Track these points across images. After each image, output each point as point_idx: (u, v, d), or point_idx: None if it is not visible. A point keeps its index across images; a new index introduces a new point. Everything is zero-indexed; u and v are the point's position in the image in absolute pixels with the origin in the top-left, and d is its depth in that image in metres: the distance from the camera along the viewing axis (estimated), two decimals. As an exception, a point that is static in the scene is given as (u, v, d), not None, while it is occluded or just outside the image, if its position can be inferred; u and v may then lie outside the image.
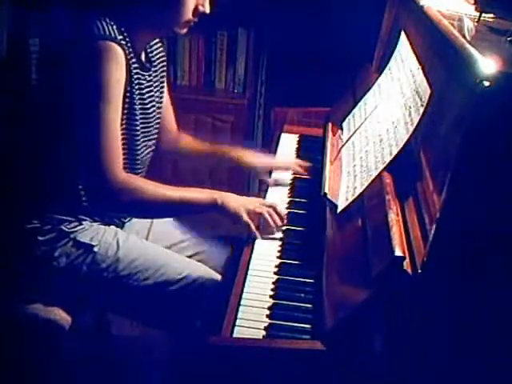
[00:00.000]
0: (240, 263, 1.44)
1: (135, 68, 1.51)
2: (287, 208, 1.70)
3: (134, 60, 1.50)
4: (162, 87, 1.70)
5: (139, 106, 1.54)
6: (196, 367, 1.32)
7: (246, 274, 1.40)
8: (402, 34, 1.66)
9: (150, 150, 1.66)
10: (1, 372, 1.61)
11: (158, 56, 1.67)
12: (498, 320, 1.08)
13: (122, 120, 1.48)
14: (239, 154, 1.83)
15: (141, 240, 1.69)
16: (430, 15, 1.45)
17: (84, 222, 1.59)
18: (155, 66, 1.65)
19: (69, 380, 1.88)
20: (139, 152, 1.59)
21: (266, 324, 1.25)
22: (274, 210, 1.58)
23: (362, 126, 1.64)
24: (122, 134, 1.48)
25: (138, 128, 1.56)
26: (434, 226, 1.03)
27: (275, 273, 1.41)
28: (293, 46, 2.70)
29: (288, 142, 2.12)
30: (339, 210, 1.42)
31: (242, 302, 1.30)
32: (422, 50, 1.48)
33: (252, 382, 1.20)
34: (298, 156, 2.03)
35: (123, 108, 1.47)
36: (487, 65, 0.99)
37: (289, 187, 1.82)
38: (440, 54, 1.33)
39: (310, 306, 1.31)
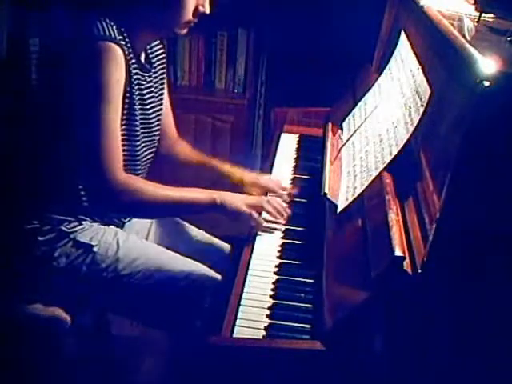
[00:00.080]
0: (240, 263, 1.44)
1: (135, 69, 1.51)
2: (289, 205, 1.70)
3: (133, 61, 1.50)
4: (162, 88, 1.69)
5: (139, 107, 1.54)
6: (196, 367, 1.33)
7: (246, 273, 1.40)
8: (402, 34, 1.66)
9: (150, 151, 1.66)
10: (1, 372, 1.61)
11: (158, 57, 1.67)
12: (498, 320, 1.08)
13: (122, 120, 1.48)
14: (229, 169, 1.79)
15: (141, 240, 1.69)
16: (430, 15, 1.45)
17: (84, 222, 1.59)
18: (155, 67, 1.65)
19: (69, 380, 1.88)
20: (139, 153, 1.59)
21: (266, 324, 1.25)
22: (274, 201, 1.60)
23: (362, 126, 1.64)
24: (122, 135, 1.48)
25: (138, 128, 1.56)
26: (433, 226, 1.03)
27: (275, 273, 1.41)
28: (293, 46, 2.70)
29: (288, 142, 2.12)
30: (339, 210, 1.42)
31: (242, 302, 1.30)
32: (422, 50, 1.48)
33: (252, 382, 1.20)
34: (298, 156, 2.03)
35: (123, 108, 1.47)
36: (487, 65, 0.99)
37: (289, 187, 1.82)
38: (440, 54, 1.33)
39: (309, 305, 1.31)
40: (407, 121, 1.34)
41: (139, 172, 1.61)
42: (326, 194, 1.53)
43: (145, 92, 1.56)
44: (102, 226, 1.62)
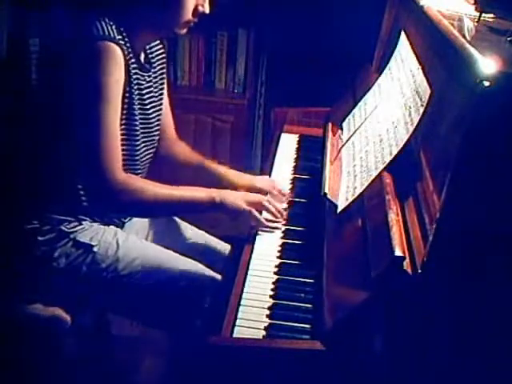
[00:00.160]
0: (240, 263, 1.44)
1: (134, 68, 1.51)
2: (287, 208, 1.70)
3: (133, 60, 1.50)
4: (162, 88, 1.69)
5: (138, 107, 1.55)
6: (196, 367, 1.33)
7: (246, 273, 1.40)
8: (402, 34, 1.66)
9: (149, 151, 1.66)
10: (1, 372, 1.61)
11: (157, 57, 1.67)
12: (498, 320, 1.08)
13: (122, 120, 1.48)
14: (225, 172, 1.79)
15: (140, 240, 1.69)
16: (430, 15, 1.45)
17: (84, 222, 1.59)
18: (155, 67, 1.65)
19: (69, 380, 1.88)
20: (139, 152, 1.59)
21: (266, 324, 1.25)
22: (274, 200, 1.61)
23: (362, 126, 1.64)
24: (122, 135, 1.48)
25: (138, 128, 1.56)
26: (433, 226, 1.03)
27: (275, 273, 1.41)
28: (293, 46, 2.70)
29: (288, 142, 2.12)
30: (339, 209, 1.42)
31: (242, 302, 1.30)
32: (422, 50, 1.48)
33: (252, 382, 1.20)
34: (298, 156, 2.03)
35: (122, 108, 1.47)
36: (487, 65, 0.99)
37: (289, 187, 1.82)
38: (440, 54, 1.33)
39: (309, 305, 1.31)
40: (407, 121, 1.34)
41: (139, 172, 1.61)
42: (325, 194, 1.53)
43: (144, 92, 1.56)
44: (101, 226, 1.62)
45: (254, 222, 1.56)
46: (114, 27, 1.43)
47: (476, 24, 1.40)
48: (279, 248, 1.51)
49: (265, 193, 1.70)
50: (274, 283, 1.38)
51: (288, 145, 2.10)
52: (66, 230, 1.56)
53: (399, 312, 1.07)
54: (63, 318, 1.58)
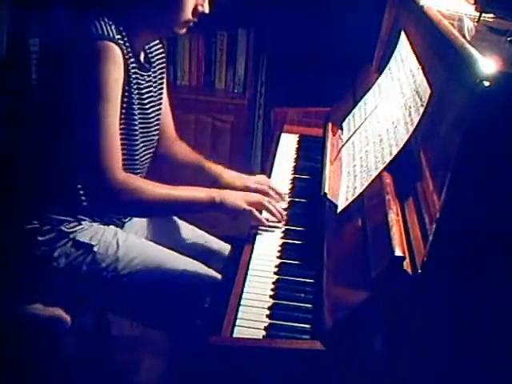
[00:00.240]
0: (240, 263, 1.44)
1: (133, 68, 1.51)
2: (287, 208, 1.70)
3: (132, 60, 1.50)
4: (162, 88, 1.69)
5: (138, 106, 1.54)
6: (196, 367, 1.33)
7: (246, 273, 1.40)
8: (402, 34, 1.66)
9: (149, 150, 1.66)
10: (1, 372, 1.61)
11: (157, 57, 1.67)
12: (498, 320, 1.08)
13: (121, 120, 1.48)
14: (221, 172, 1.78)
15: (140, 239, 1.69)
16: (430, 15, 1.45)
17: (83, 222, 1.59)
18: (154, 67, 1.65)
19: (69, 380, 1.88)
20: (138, 152, 1.59)
21: (266, 324, 1.25)
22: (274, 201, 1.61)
23: (362, 126, 1.64)
24: (121, 134, 1.48)
25: (137, 128, 1.56)
26: (433, 226, 1.03)
27: (275, 273, 1.41)
28: (293, 46, 2.70)
29: (288, 142, 2.12)
30: (339, 209, 1.42)
31: (242, 302, 1.30)
32: (422, 50, 1.48)
33: (252, 381, 1.20)
34: (298, 156, 2.03)
35: (121, 108, 1.47)
36: (487, 65, 0.99)
37: (289, 187, 1.82)
38: (440, 54, 1.33)
39: (310, 306, 1.31)
40: (407, 121, 1.34)
41: (138, 171, 1.61)
42: (325, 193, 1.53)
43: (144, 91, 1.56)
44: (101, 226, 1.62)
45: (255, 221, 1.56)
46: (113, 27, 1.43)
47: (476, 24, 1.40)
48: (279, 248, 1.51)
49: (262, 193, 1.70)
50: (274, 283, 1.37)
51: (288, 145, 2.10)
52: (66, 229, 1.56)
53: (399, 312, 1.07)
54: (63, 318, 1.58)
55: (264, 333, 1.23)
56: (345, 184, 1.49)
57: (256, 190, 1.69)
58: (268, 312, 1.28)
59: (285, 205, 1.71)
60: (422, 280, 1.05)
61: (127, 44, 1.47)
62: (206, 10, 1.54)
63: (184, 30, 1.55)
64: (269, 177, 1.85)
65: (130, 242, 1.62)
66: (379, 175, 1.34)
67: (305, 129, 2.21)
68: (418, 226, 1.15)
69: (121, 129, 1.48)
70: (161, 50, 1.69)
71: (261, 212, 1.59)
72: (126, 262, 1.58)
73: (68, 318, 1.59)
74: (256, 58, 2.86)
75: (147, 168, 1.69)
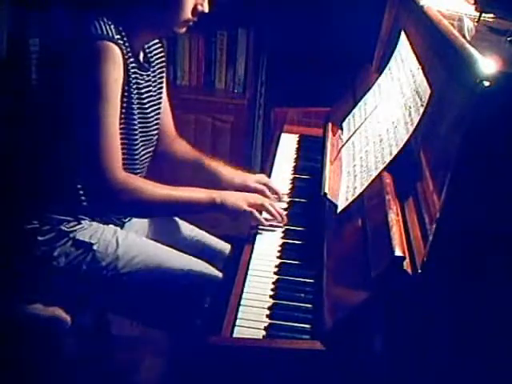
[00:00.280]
0: (240, 263, 1.44)
1: (133, 68, 1.51)
2: (287, 208, 1.70)
3: (131, 60, 1.50)
4: (161, 87, 1.69)
5: (137, 106, 1.54)
6: (196, 367, 1.33)
7: (246, 273, 1.40)
8: (402, 34, 1.66)
9: (148, 150, 1.66)
10: (1, 372, 1.61)
11: (156, 56, 1.67)
12: (498, 320, 1.08)
13: (120, 120, 1.48)
14: (221, 169, 1.78)
15: (140, 238, 1.69)
16: (430, 15, 1.45)
17: (83, 222, 1.59)
18: (153, 67, 1.65)
19: (69, 380, 1.88)
20: (137, 152, 1.59)
21: (266, 324, 1.25)
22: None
23: (362, 126, 1.64)
24: (120, 134, 1.48)
25: (136, 128, 1.56)
26: (433, 226, 1.03)
27: (275, 273, 1.41)
28: (293, 46, 2.70)
29: (288, 142, 2.12)
30: (339, 210, 1.42)
31: (242, 302, 1.30)
32: (422, 50, 1.48)
33: (252, 381, 1.20)
34: (298, 156, 2.03)
35: (121, 107, 1.47)
36: (487, 65, 0.99)
37: (289, 187, 1.82)
38: (440, 54, 1.33)
39: (310, 305, 1.31)
40: (407, 121, 1.34)
41: (138, 171, 1.61)
42: (325, 193, 1.53)
43: (143, 91, 1.56)
44: (101, 225, 1.62)
45: (255, 222, 1.56)
46: (112, 27, 1.43)
47: (476, 24, 1.40)
48: (279, 248, 1.51)
49: (261, 193, 1.70)
50: (274, 283, 1.37)
51: (288, 145, 2.10)
52: (66, 229, 1.56)
53: (399, 312, 1.07)
54: (63, 318, 1.58)
55: (264, 333, 1.23)
56: (345, 184, 1.49)
57: (255, 190, 1.69)
58: (268, 312, 1.28)
59: (285, 205, 1.71)
60: (422, 280, 1.05)
61: (127, 44, 1.47)
62: (206, 9, 1.54)
63: (184, 30, 1.55)
64: (269, 177, 1.85)
65: (130, 241, 1.62)
66: (379, 175, 1.34)
67: (305, 129, 2.21)
68: (418, 226, 1.15)
69: (120, 129, 1.48)
70: (160, 50, 1.69)
71: (261, 213, 1.58)
72: (126, 260, 1.58)
73: (68, 318, 1.59)
74: (256, 58, 2.86)
75: (147, 168, 1.69)
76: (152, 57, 1.65)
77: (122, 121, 1.50)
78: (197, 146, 1.90)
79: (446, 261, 1.03)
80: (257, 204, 1.57)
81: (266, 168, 1.94)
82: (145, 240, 1.70)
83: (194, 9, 1.51)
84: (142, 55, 1.59)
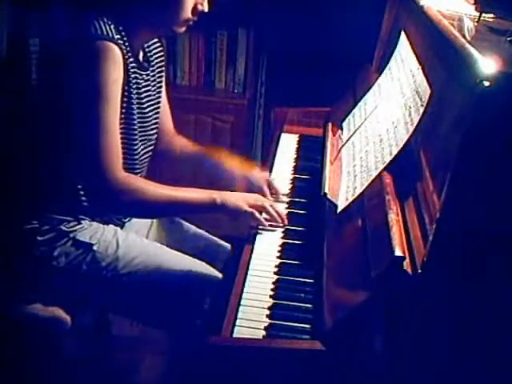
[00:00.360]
0: (240, 263, 1.44)
1: (133, 67, 1.51)
2: (287, 208, 1.70)
3: (131, 60, 1.50)
4: (160, 87, 1.69)
5: (137, 106, 1.54)
6: (196, 367, 1.33)
7: (246, 273, 1.40)
8: (402, 34, 1.66)
9: (147, 149, 1.66)
10: (1, 372, 1.61)
11: (156, 55, 1.67)
12: (498, 320, 1.08)
13: (120, 120, 1.47)
14: (223, 160, 1.79)
15: (140, 238, 1.69)
16: (430, 15, 1.45)
17: (83, 222, 1.58)
18: (153, 66, 1.65)
19: (69, 380, 1.88)
20: (137, 152, 1.59)
21: (266, 324, 1.25)
22: (276, 205, 1.61)
23: (362, 126, 1.64)
24: (120, 134, 1.48)
25: (136, 127, 1.56)
26: (434, 226, 1.03)
27: (275, 273, 1.41)
28: (293, 46, 2.70)
29: (288, 142, 2.12)
30: (339, 209, 1.42)
31: (242, 302, 1.30)
32: (422, 50, 1.48)
33: (252, 381, 1.20)
34: (298, 156, 2.03)
35: (121, 107, 1.47)
36: (487, 65, 0.99)
37: (289, 187, 1.82)
38: (440, 54, 1.33)
39: (310, 305, 1.31)
40: (407, 121, 1.34)
41: (138, 171, 1.61)
42: (325, 194, 1.53)
43: (142, 91, 1.56)
44: (101, 225, 1.62)
45: (255, 222, 1.56)
46: (112, 27, 1.43)
47: (476, 24, 1.40)
48: (279, 248, 1.51)
49: (260, 188, 1.70)
50: (274, 283, 1.37)
51: (288, 145, 2.10)
52: (66, 229, 1.56)
53: (399, 312, 1.07)
54: (63, 318, 1.58)
55: (264, 333, 1.23)
56: (345, 184, 1.49)
57: (257, 183, 1.70)
58: (268, 312, 1.28)
59: (285, 205, 1.71)
60: (422, 280, 1.05)
61: (126, 44, 1.47)
62: (206, 8, 1.53)
63: (183, 29, 1.55)
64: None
65: (131, 242, 1.62)
66: (379, 175, 1.34)
67: (305, 129, 2.21)
68: (418, 226, 1.15)
69: (120, 129, 1.48)
70: (160, 49, 1.69)
71: (261, 213, 1.58)
72: (126, 261, 1.58)
73: (68, 318, 1.59)
74: (256, 58, 2.86)
75: (147, 167, 1.69)
76: (151, 56, 1.65)
77: (122, 121, 1.49)
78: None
79: (445, 261, 1.03)
80: (257, 205, 1.57)
81: (266, 168, 1.94)
82: (145, 241, 1.70)
83: (194, 8, 1.51)
84: (141, 55, 1.59)
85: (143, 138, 1.61)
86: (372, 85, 1.74)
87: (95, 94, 1.39)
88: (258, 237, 1.55)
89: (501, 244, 1.02)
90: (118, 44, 1.42)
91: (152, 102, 1.63)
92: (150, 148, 1.67)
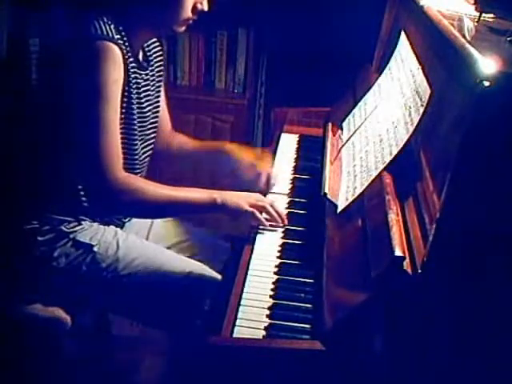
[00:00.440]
0: (240, 263, 1.44)
1: (133, 67, 1.51)
2: (287, 208, 1.70)
3: (131, 59, 1.49)
4: (159, 86, 1.69)
5: (136, 105, 1.54)
6: (196, 367, 1.33)
7: (246, 273, 1.40)
8: (402, 34, 1.66)
9: (147, 148, 1.65)
10: (1, 372, 1.61)
11: (155, 55, 1.67)
12: (498, 320, 1.08)
13: (120, 120, 1.47)
14: (222, 156, 1.78)
15: (140, 240, 1.69)
16: (430, 15, 1.45)
17: (83, 222, 1.58)
18: (152, 65, 1.64)
19: (69, 380, 1.88)
20: (137, 152, 1.59)
21: (266, 324, 1.25)
22: (276, 205, 1.60)
23: (362, 126, 1.64)
24: (120, 134, 1.48)
25: (136, 127, 1.56)
26: (434, 226, 1.03)
27: (275, 273, 1.41)
28: (293, 46, 2.70)
29: (288, 142, 2.12)
30: (339, 210, 1.42)
31: (242, 302, 1.30)
32: (422, 50, 1.48)
33: (252, 381, 1.20)
34: (298, 156, 2.03)
35: (121, 107, 1.46)
36: (487, 65, 0.99)
37: (289, 187, 1.82)
38: (440, 54, 1.33)
39: (309, 305, 1.31)
40: (407, 121, 1.34)
41: (138, 171, 1.61)
42: (325, 194, 1.53)
43: (141, 90, 1.56)
44: (101, 226, 1.62)
45: (256, 222, 1.56)
46: (112, 26, 1.43)
47: (476, 24, 1.40)
48: (279, 248, 1.51)
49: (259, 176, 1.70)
50: (274, 283, 1.37)
51: (288, 145, 2.10)
52: (66, 229, 1.56)
53: (399, 312, 1.07)
54: (63, 319, 1.58)
55: (264, 333, 1.23)
56: (345, 184, 1.49)
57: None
58: (268, 312, 1.28)
59: (285, 205, 1.71)
60: (422, 280, 1.05)
61: (126, 44, 1.47)
62: (205, 7, 1.53)
63: (183, 28, 1.55)
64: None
65: (131, 243, 1.62)
66: (379, 175, 1.34)
67: (305, 129, 2.21)
68: (418, 226, 1.15)
69: (120, 129, 1.48)
70: (159, 48, 1.69)
71: (261, 213, 1.58)
72: (126, 262, 1.58)
73: (68, 318, 1.59)
74: (256, 58, 2.86)
75: (147, 167, 1.69)
76: (151, 55, 1.65)
77: (122, 121, 1.49)
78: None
79: (446, 261, 1.03)
80: (257, 205, 1.57)
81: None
82: (145, 242, 1.70)
83: (194, 7, 1.51)
84: (141, 54, 1.59)
85: (142, 137, 1.61)
86: (372, 85, 1.74)
87: (95, 95, 1.39)
88: (258, 237, 1.55)
89: (501, 244, 1.02)
90: (118, 44, 1.42)
91: (151, 102, 1.63)
92: (150, 147, 1.67)
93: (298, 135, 2.17)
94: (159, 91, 1.69)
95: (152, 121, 1.65)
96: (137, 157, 1.60)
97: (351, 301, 1.18)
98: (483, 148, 0.97)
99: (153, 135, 1.67)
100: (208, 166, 1.77)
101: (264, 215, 1.58)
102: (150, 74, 1.62)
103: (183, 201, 1.52)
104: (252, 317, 1.26)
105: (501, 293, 1.06)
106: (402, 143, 1.32)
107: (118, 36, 1.44)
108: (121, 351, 2.14)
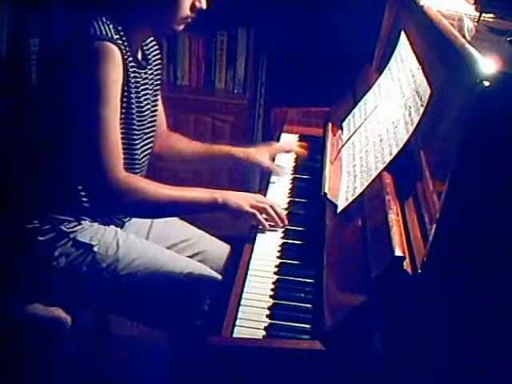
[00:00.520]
0: (240, 263, 1.44)
1: (132, 67, 1.51)
2: (287, 208, 1.70)
3: (130, 59, 1.49)
4: (158, 85, 1.69)
5: (135, 105, 1.54)
6: (196, 367, 1.33)
7: (246, 273, 1.40)
8: (402, 34, 1.66)
9: (146, 147, 1.65)
10: (1, 372, 1.61)
11: (153, 53, 1.67)
12: (499, 320, 1.08)
13: (120, 119, 1.47)
14: (244, 151, 1.82)
15: (141, 240, 1.69)
16: (430, 15, 1.45)
17: (84, 222, 1.58)
18: (150, 64, 1.64)
19: (69, 380, 1.88)
20: (137, 152, 1.59)
21: (266, 324, 1.25)
22: (276, 206, 1.60)
23: (362, 126, 1.64)
24: (120, 134, 1.47)
25: (135, 127, 1.56)
26: (434, 226, 1.03)
27: (275, 273, 1.41)
28: (293, 46, 2.70)
29: (288, 142, 2.12)
30: (339, 210, 1.42)
31: (242, 302, 1.30)
32: (422, 50, 1.48)
33: (252, 381, 1.20)
34: (298, 156, 2.03)
35: (121, 107, 1.46)
36: (487, 65, 0.99)
37: (289, 187, 1.82)
38: (440, 54, 1.33)
39: (309, 305, 1.31)
40: (407, 121, 1.34)
41: (138, 171, 1.61)
42: (325, 194, 1.54)
43: (140, 89, 1.56)
44: (101, 226, 1.62)
45: (256, 222, 1.56)
46: (111, 26, 1.43)
47: (476, 24, 1.40)
48: (279, 248, 1.51)
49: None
50: (274, 283, 1.37)
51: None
52: (66, 229, 1.55)
53: (399, 312, 1.07)
54: (63, 318, 1.58)
55: (264, 333, 1.23)
56: (345, 184, 1.49)
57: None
58: (268, 312, 1.28)
59: (285, 205, 1.71)
60: (422, 280, 1.05)
61: (125, 43, 1.47)
62: (204, 5, 1.53)
63: (182, 27, 1.54)
64: (269, 178, 1.85)
65: (131, 243, 1.62)
66: (379, 175, 1.34)
67: (305, 129, 2.21)
68: (418, 226, 1.15)
69: (120, 128, 1.48)
70: (157, 47, 1.69)
71: (261, 213, 1.58)
72: (126, 262, 1.58)
73: (68, 318, 1.59)
74: (256, 57, 2.86)
75: (147, 167, 1.69)
76: (149, 54, 1.65)
77: (122, 121, 1.49)
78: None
79: (445, 261, 1.03)
80: (258, 206, 1.56)
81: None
82: (145, 242, 1.70)
83: (192, 5, 1.50)
84: (139, 53, 1.59)
85: (141, 136, 1.61)
86: (372, 85, 1.74)
87: (95, 95, 1.39)
88: (258, 237, 1.55)
89: (501, 244, 1.02)
90: (117, 44, 1.42)
91: (149, 101, 1.63)
92: (149, 146, 1.67)
93: (297, 135, 2.17)
94: (157, 90, 1.69)
95: (150, 119, 1.65)
96: (136, 156, 1.60)
97: (351, 301, 1.18)
98: (483, 148, 0.97)
99: (152, 134, 1.67)
100: (210, 166, 1.77)
101: (264, 216, 1.58)
102: (149, 72, 1.62)
103: (184, 200, 1.52)
104: (252, 317, 1.26)
105: (501, 293, 1.06)
106: (402, 143, 1.32)
107: (117, 36, 1.44)
108: (121, 351, 2.14)
